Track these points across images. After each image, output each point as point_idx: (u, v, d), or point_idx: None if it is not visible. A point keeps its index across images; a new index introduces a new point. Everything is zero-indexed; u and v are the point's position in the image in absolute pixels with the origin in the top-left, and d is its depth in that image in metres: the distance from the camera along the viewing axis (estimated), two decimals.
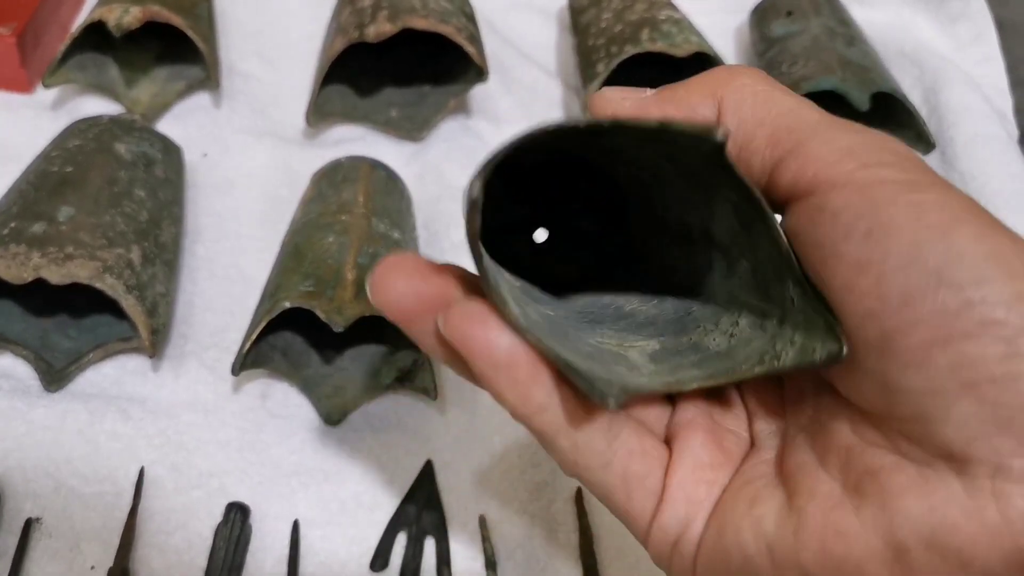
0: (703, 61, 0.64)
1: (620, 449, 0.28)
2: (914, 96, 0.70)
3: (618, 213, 0.34)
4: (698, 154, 0.25)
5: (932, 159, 0.67)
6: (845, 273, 0.24)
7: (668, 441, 0.29)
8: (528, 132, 0.24)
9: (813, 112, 0.26)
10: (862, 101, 0.62)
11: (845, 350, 0.24)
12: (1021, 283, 0.22)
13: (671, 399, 0.31)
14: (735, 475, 0.28)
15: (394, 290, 0.27)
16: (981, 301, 0.22)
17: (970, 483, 0.22)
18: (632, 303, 0.32)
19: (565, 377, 0.26)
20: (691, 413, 0.30)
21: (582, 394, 0.26)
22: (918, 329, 0.23)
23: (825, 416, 0.27)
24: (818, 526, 0.25)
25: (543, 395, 0.26)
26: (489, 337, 0.25)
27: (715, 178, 0.26)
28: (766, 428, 0.29)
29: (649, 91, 0.29)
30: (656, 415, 0.30)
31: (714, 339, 0.29)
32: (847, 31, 0.69)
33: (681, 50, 0.62)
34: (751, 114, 0.27)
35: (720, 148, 0.24)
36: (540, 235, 0.34)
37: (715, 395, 0.31)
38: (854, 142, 0.25)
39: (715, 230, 0.29)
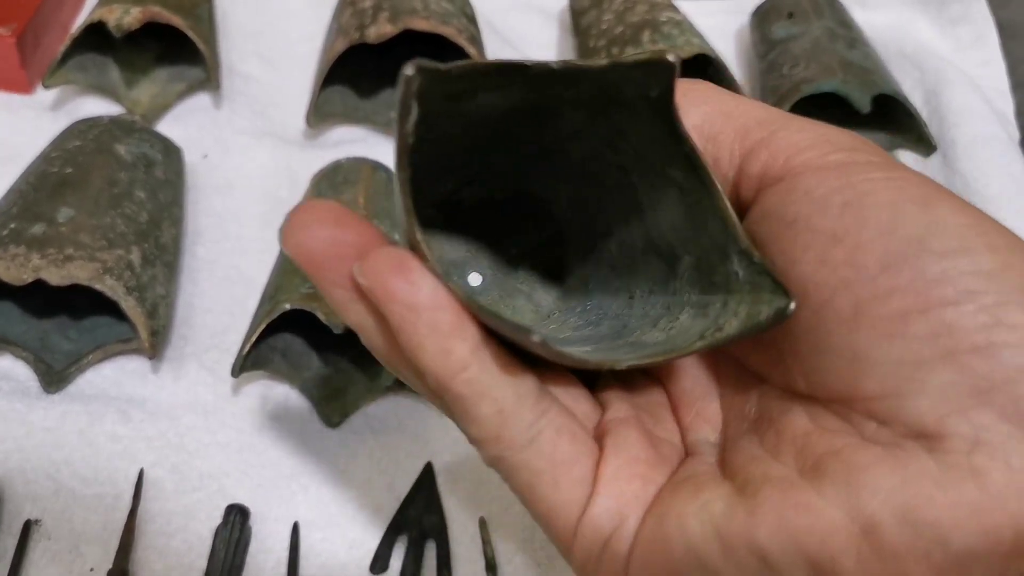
0: (704, 63, 0.64)
1: (548, 427, 0.25)
2: (915, 98, 0.70)
3: (557, 253, 0.32)
4: (647, 106, 0.25)
5: (933, 161, 0.67)
6: (819, 246, 0.23)
7: (598, 440, 0.27)
8: (482, 62, 0.23)
9: (777, 110, 0.26)
10: (863, 103, 0.62)
11: (792, 304, 0.23)
12: (1004, 255, 0.22)
13: (601, 402, 0.29)
14: (673, 474, 0.26)
15: (308, 234, 0.24)
16: (964, 270, 0.21)
17: (944, 459, 0.21)
18: (566, 332, 0.30)
19: (491, 332, 0.24)
20: (623, 413, 0.27)
21: (508, 348, 0.24)
22: (896, 297, 0.22)
23: (775, 412, 0.26)
24: (775, 503, 0.23)
25: (466, 350, 0.23)
26: (411, 279, 0.23)
27: (661, 151, 0.26)
28: (702, 438, 0.27)
29: None
30: (585, 412, 0.28)
31: (652, 336, 0.28)
32: (848, 33, 0.68)
33: (682, 52, 0.62)
34: (718, 108, 0.26)
35: (671, 75, 0.24)
36: (474, 279, 0.32)
37: (644, 406, 0.28)
38: (826, 131, 0.25)
39: (657, 233, 0.28)
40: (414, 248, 0.24)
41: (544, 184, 0.30)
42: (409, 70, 0.22)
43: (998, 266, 0.21)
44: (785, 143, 0.25)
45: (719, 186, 0.25)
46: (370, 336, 0.25)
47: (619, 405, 0.28)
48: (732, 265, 0.25)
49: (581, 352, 0.27)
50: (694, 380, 0.29)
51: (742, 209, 0.26)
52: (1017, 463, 0.20)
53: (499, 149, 0.29)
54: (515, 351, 0.25)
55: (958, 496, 0.21)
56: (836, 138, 0.25)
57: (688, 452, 0.27)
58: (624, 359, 0.25)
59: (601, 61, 0.24)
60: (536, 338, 0.22)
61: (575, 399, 0.27)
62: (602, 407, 0.28)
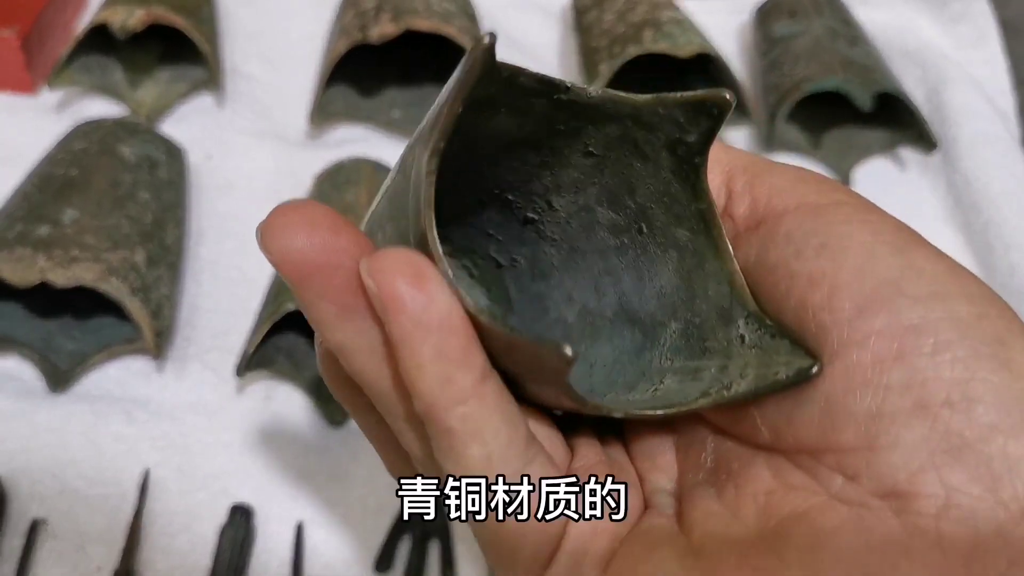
0: (705, 62, 0.64)
1: (534, 476, 0.23)
2: (916, 96, 0.70)
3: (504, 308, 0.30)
4: (670, 156, 0.24)
5: (935, 159, 0.67)
6: (798, 291, 0.22)
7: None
8: (520, 70, 0.22)
9: (763, 157, 0.26)
10: (865, 101, 0.63)
11: (816, 366, 0.22)
12: (979, 305, 0.21)
13: (570, 445, 0.27)
14: (634, 526, 0.25)
15: (296, 238, 0.21)
16: (941, 317, 0.21)
17: (911, 523, 0.20)
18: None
19: (498, 364, 0.22)
20: (592, 460, 0.26)
21: (513, 383, 0.22)
22: (871, 342, 0.21)
23: (735, 465, 0.24)
24: (733, 568, 0.21)
25: (469, 381, 0.21)
26: (427, 290, 0.20)
27: (670, 209, 0.25)
28: (659, 487, 0.26)
29: None
30: (559, 456, 0.26)
31: (633, 397, 0.26)
32: (849, 31, 0.69)
33: (684, 51, 0.62)
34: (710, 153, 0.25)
35: (723, 115, 0.23)
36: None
37: (609, 452, 0.27)
38: (804, 174, 0.24)
39: (638, 300, 0.27)
40: (423, 248, 0.21)
41: (509, 238, 0.28)
42: (488, 38, 0.21)
43: (974, 316, 0.21)
44: (766, 186, 0.24)
45: (730, 247, 0.24)
46: (359, 359, 0.23)
47: (587, 452, 0.26)
48: (736, 330, 0.24)
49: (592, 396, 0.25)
50: (648, 428, 0.27)
51: None
52: (985, 529, 0.20)
53: (484, 187, 0.27)
54: (509, 385, 0.23)
55: (923, 565, 0.20)
56: (813, 180, 0.24)
57: (647, 503, 0.26)
58: (617, 408, 0.23)
59: (645, 96, 0.23)
60: (568, 351, 0.20)
61: (551, 441, 0.26)
62: (571, 451, 0.26)
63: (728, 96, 0.23)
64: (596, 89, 0.23)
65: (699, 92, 0.23)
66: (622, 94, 0.23)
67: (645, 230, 0.26)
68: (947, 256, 0.22)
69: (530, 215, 0.28)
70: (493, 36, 0.21)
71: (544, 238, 0.28)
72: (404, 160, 0.24)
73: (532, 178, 0.26)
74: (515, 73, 0.23)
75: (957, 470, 0.20)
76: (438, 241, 0.21)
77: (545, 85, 0.23)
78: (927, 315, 0.21)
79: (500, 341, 0.21)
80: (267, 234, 0.21)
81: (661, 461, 0.26)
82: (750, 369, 0.23)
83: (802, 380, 0.22)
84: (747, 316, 0.24)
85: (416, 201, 0.21)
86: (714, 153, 0.25)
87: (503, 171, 0.26)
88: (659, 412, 0.24)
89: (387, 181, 0.25)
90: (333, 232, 0.21)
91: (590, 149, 0.25)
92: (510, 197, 0.27)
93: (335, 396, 0.26)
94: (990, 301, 0.22)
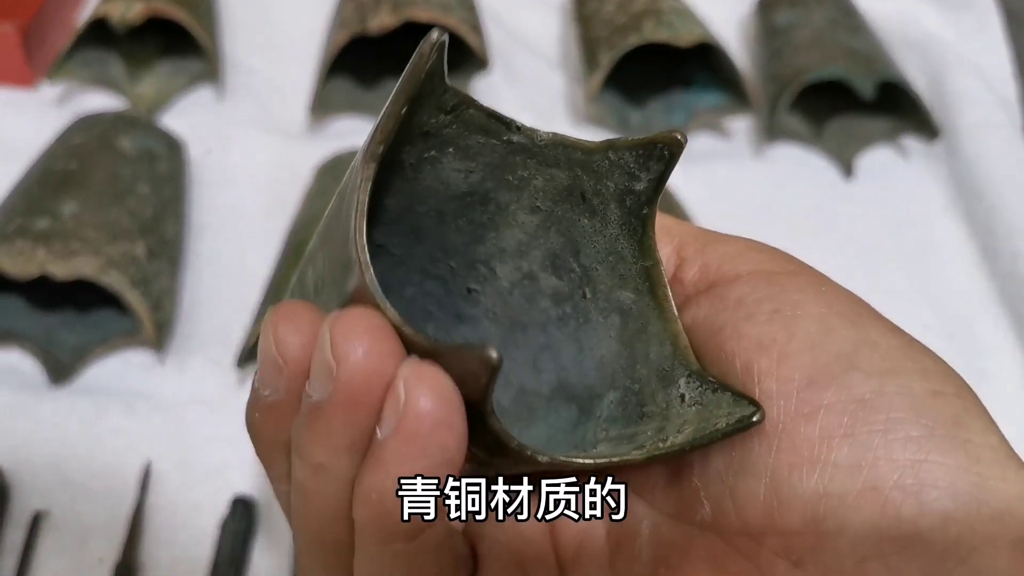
0: (706, 51, 0.64)
1: None
2: (918, 85, 0.70)
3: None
4: (619, 208, 0.23)
5: (937, 148, 0.67)
6: (745, 354, 0.21)
7: None
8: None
9: (713, 231, 0.25)
10: (866, 90, 0.62)
11: (759, 414, 0.21)
12: (934, 381, 0.20)
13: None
14: None
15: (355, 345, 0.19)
16: (895, 393, 0.20)
17: None
18: None
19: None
20: (500, 555, 0.24)
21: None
22: (820, 416, 0.20)
23: (674, 556, 0.22)
24: None
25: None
26: (436, 386, 0.19)
27: (615, 269, 0.24)
28: None
29: None
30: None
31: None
32: (851, 20, 0.68)
33: (684, 40, 0.62)
34: (659, 224, 0.24)
35: (677, 152, 0.22)
36: None
37: (524, 539, 0.25)
38: (758, 244, 0.24)
39: (576, 374, 0.25)
40: (352, 273, 0.20)
41: (448, 316, 0.27)
42: (437, 34, 0.20)
43: (929, 393, 0.20)
44: (719, 252, 0.23)
45: (674, 307, 0.23)
46: (329, 479, 0.20)
47: (492, 545, 0.24)
48: (676, 390, 0.23)
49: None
50: None
51: None
52: None
53: (427, 253, 0.26)
54: None
55: None
56: (767, 249, 0.24)
57: None
58: (564, 455, 0.21)
59: (595, 142, 0.23)
60: (493, 354, 0.18)
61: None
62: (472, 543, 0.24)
63: (679, 137, 0.22)
64: (546, 133, 0.23)
65: (650, 135, 0.23)
66: (572, 139, 0.23)
67: (589, 295, 0.25)
68: (903, 331, 0.21)
69: (472, 286, 0.26)
70: (444, 32, 0.20)
71: (485, 314, 0.26)
72: (343, 185, 0.22)
73: (476, 240, 0.25)
74: (464, 101, 0.22)
75: (907, 562, 0.19)
76: (367, 255, 0.20)
77: (495, 120, 0.22)
78: (880, 390, 0.20)
79: (423, 352, 0.20)
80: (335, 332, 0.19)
81: (590, 546, 0.24)
82: (688, 425, 0.22)
83: (743, 428, 0.21)
84: (689, 375, 0.23)
85: (348, 218, 0.20)
86: (665, 224, 0.24)
87: (448, 231, 0.25)
88: (588, 462, 0.21)
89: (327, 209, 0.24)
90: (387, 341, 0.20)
91: (537, 204, 0.24)
92: (452, 264, 0.26)
93: (261, 456, 0.23)
94: (947, 378, 0.20)
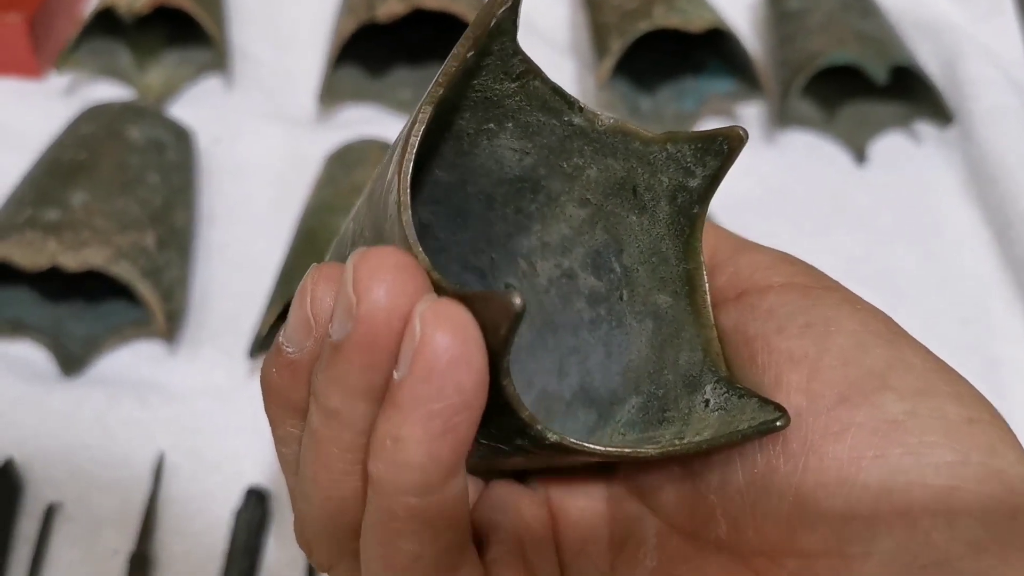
0: (717, 37, 0.63)
1: None
2: (930, 69, 0.69)
3: None
4: (669, 205, 0.23)
5: (950, 133, 0.66)
6: (775, 367, 0.21)
7: None
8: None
9: (748, 240, 0.24)
10: (880, 75, 0.62)
11: (782, 419, 0.20)
12: (971, 408, 0.19)
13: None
14: None
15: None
16: (929, 416, 0.19)
17: None
18: None
19: None
20: (505, 547, 0.23)
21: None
22: (850, 435, 0.19)
23: (683, 570, 0.21)
24: None
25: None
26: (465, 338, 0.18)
27: (656, 270, 0.24)
28: None
29: None
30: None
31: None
32: (862, 4, 0.68)
33: (695, 26, 0.61)
34: None
35: (737, 149, 0.22)
36: None
37: (530, 530, 0.24)
38: (790, 257, 0.23)
39: (601, 378, 0.25)
40: (398, 229, 0.19)
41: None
42: None
43: (964, 419, 0.19)
44: (752, 260, 0.23)
45: (711, 312, 0.23)
46: (344, 426, 0.19)
47: (496, 530, 0.24)
48: (701, 396, 0.22)
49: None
50: (580, 510, 0.24)
51: None
52: None
53: (471, 244, 0.25)
54: None
55: None
56: (801, 264, 0.23)
57: None
58: (575, 437, 0.20)
59: (656, 133, 0.22)
60: (517, 301, 0.17)
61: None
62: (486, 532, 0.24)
63: (742, 133, 0.22)
64: (608, 117, 0.22)
65: (713, 129, 0.22)
66: (634, 127, 0.22)
67: (626, 297, 0.24)
68: (936, 356, 0.21)
69: (510, 281, 0.26)
70: None
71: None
72: (392, 148, 0.22)
73: (521, 230, 0.25)
74: (532, 71, 0.22)
75: None
76: (409, 196, 0.19)
77: (559, 98, 0.22)
78: (914, 412, 0.19)
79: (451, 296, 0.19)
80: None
81: (592, 551, 0.23)
82: (708, 429, 0.21)
83: (765, 432, 0.20)
84: (716, 381, 0.22)
85: (394, 166, 0.20)
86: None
87: (494, 219, 0.25)
88: (598, 448, 0.20)
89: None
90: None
91: (587, 196, 0.24)
92: (493, 256, 0.26)
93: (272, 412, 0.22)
94: (981, 404, 0.20)
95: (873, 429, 0.19)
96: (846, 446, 0.19)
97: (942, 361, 0.21)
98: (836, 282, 0.22)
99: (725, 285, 0.23)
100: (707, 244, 0.24)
